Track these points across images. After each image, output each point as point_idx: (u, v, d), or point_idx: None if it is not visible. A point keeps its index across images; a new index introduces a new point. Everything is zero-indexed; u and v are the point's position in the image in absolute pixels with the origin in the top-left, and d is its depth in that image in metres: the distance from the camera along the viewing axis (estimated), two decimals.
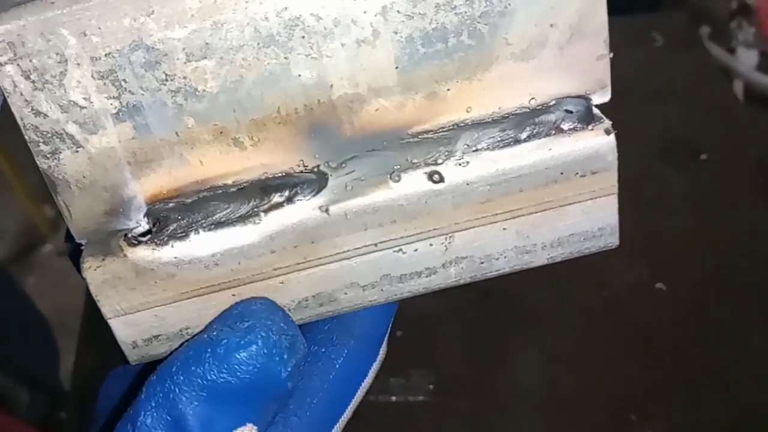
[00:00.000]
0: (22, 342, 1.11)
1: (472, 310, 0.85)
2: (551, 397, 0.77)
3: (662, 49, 1.15)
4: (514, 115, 0.31)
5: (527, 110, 0.31)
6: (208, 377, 0.29)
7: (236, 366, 0.29)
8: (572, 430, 0.75)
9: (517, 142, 0.31)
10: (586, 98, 0.31)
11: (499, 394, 0.78)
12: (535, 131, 0.31)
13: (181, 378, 0.29)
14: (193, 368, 0.29)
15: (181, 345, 0.31)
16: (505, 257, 0.33)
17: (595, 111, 0.31)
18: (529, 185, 0.31)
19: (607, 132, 0.31)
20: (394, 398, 0.78)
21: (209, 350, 0.29)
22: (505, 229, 0.32)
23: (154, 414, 0.29)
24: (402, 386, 0.79)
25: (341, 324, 0.34)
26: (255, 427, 0.30)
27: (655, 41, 1.16)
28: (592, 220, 0.33)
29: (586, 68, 0.30)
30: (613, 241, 0.34)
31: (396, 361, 0.80)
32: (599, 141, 0.31)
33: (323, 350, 0.33)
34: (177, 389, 0.29)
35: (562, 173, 0.31)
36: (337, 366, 0.33)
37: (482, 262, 0.33)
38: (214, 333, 0.30)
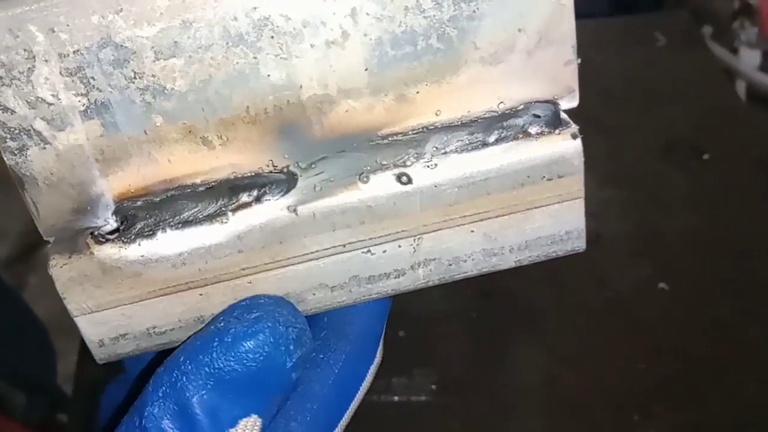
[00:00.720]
0: (18, 343, 1.10)
1: (474, 310, 0.85)
2: (553, 396, 0.77)
3: (665, 49, 1.15)
4: (483, 119, 0.31)
5: (496, 114, 0.31)
6: (215, 365, 0.29)
7: (243, 354, 0.29)
8: (574, 429, 0.75)
9: (485, 145, 0.31)
10: (554, 103, 0.31)
11: (501, 393, 0.78)
12: (502, 135, 0.31)
13: (189, 367, 0.29)
14: (200, 357, 0.29)
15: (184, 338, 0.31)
16: (472, 259, 0.33)
17: (563, 116, 0.31)
18: (496, 188, 0.32)
19: (574, 136, 0.31)
20: (396, 398, 0.78)
21: (217, 339, 0.29)
22: (472, 231, 0.33)
23: (162, 404, 0.29)
24: (404, 386, 0.79)
25: (337, 330, 0.34)
26: (259, 420, 0.30)
27: (658, 41, 1.16)
28: (558, 223, 0.33)
29: (554, 74, 0.31)
30: (579, 245, 0.34)
31: (398, 361, 0.80)
32: (566, 145, 0.31)
33: (321, 356, 0.33)
34: (184, 378, 0.29)
35: (528, 177, 0.32)
36: (336, 371, 0.33)
37: (450, 264, 0.33)
38: (222, 323, 0.30)
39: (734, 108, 1.09)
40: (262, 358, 0.29)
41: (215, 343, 0.29)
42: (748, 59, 1.65)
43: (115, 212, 0.31)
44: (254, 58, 0.29)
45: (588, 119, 1.06)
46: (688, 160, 0.99)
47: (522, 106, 0.31)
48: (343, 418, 0.34)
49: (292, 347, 0.30)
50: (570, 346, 0.81)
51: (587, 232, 0.95)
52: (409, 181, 0.31)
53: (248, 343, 0.29)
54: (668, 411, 0.75)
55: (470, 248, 0.33)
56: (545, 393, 0.78)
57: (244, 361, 0.29)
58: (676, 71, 1.11)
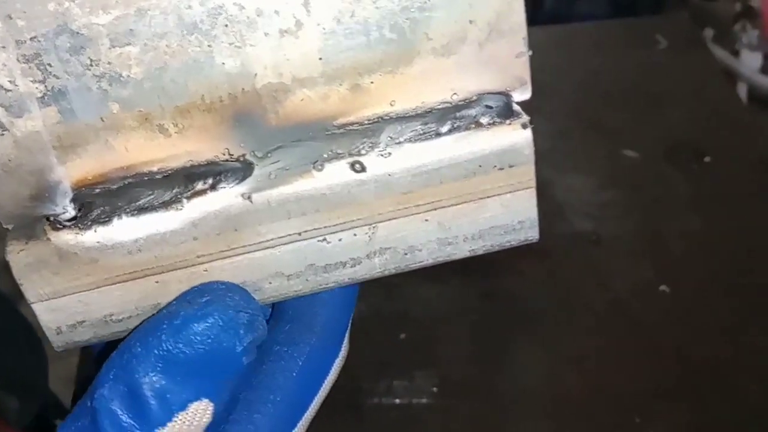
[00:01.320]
0: (10, 347, 1.10)
1: (474, 312, 0.85)
2: (555, 398, 0.77)
3: (666, 52, 1.15)
4: (437, 110, 0.31)
5: (449, 105, 0.31)
6: (165, 348, 0.29)
7: (192, 337, 0.29)
8: (575, 431, 0.75)
9: (438, 135, 0.31)
10: (506, 95, 0.32)
11: (503, 395, 0.78)
12: (455, 125, 0.32)
13: (139, 350, 0.29)
14: (150, 340, 0.29)
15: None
16: (428, 249, 0.34)
17: (516, 107, 0.32)
18: (449, 177, 0.32)
19: (524, 126, 0.32)
20: (397, 401, 0.78)
21: (166, 322, 0.30)
22: (427, 220, 0.33)
23: (112, 385, 0.29)
24: (405, 388, 0.79)
25: (302, 322, 0.34)
26: (211, 404, 0.30)
27: (659, 43, 1.16)
28: (511, 213, 0.33)
29: (506, 65, 0.31)
30: (533, 234, 0.34)
31: (399, 364, 0.80)
32: (516, 135, 0.32)
33: (285, 349, 0.33)
34: (134, 360, 0.29)
35: (480, 166, 0.32)
36: (300, 363, 0.33)
37: (406, 253, 0.34)
38: (173, 307, 0.31)
39: (735, 110, 1.09)
40: (211, 341, 0.30)
41: (164, 326, 0.30)
42: (749, 62, 1.65)
43: (74, 199, 0.31)
44: (209, 46, 0.29)
45: (589, 121, 1.06)
46: (689, 163, 0.99)
47: (475, 98, 0.31)
48: (308, 411, 0.34)
49: (242, 331, 0.30)
50: (571, 347, 0.81)
51: (588, 234, 0.95)
52: (363, 169, 0.31)
53: (197, 325, 0.30)
54: (669, 412, 0.75)
55: (425, 237, 0.33)
56: (546, 395, 0.78)
57: (194, 344, 0.29)
58: (677, 74, 1.11)
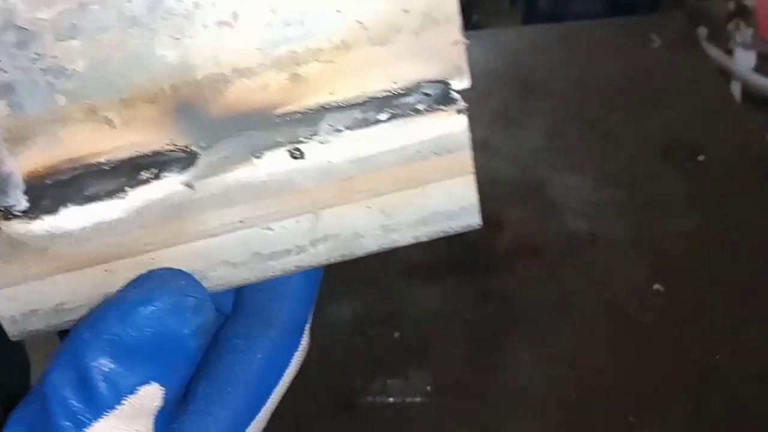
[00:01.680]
0: None
1: (469, 312, 0.85)
2: (549, 397, 0.77)
3: (660, 50, 1.15)
4: (376, 98, 0.32)
5: (389, 93, 0.32)
6: (112, 332, 0.30)
7: (139, 321, 0.30)
8: (570, 431, 0.75)
9: (377, 123, 0.32)
10: (444, 83, 0.32)
11: (497, 395, 0.78)
12: (394, 113, 0.32)
13: (87, 335, 0.30)
14: (98, 325, 0.30)
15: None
16: (372, 235, 0.34)
17: (454, 95, 0.32)
18: (388, 164, 0.33)
19: (459, 112, 0.32)
20: (391, 399, 0.78)
21: (114, 307, 0.30)
22: (369, 207, 0.33)
23: (62, 371, 0.30)
24: (400, 387, 0.78)
25: (262, 316, 0.34)
26: (161, 388, 0.31)
27: (653, 42, 1.17)
28: (452, 199, 0.34)
29: (443, 54, 0.32)
30: (474, 220, 0.35)
31: (393, 363, 0.80)
32: (452, 121, 0.32)
33: (244, 342, 0.34)
34: (83, 345, 0.30)
35: (418, 152, 0.33)
36: (259, 356, 0.34)
37: (350, 241, 0.34)
38: (121, 293, 0.31)
39: (730, 109, 1.09)
40: (157, 324, 0.30)
41: (111, 311, 0.30)
42: (743, 60, 1.65)
43: (26, 191, 0.31)
44: (149, 39, 0.30)
45: (584, 120, 1.06)
46: (683, 162, 0.99)
47: (414, 86, 0.32)
48: (267, 404, 0.35)
49: (189, 315, 0.31)
50: (566, 347, 0.81)
51: (583, 234, 0.95)
52: (302, 156, 0.32)
53: (143, 309, 0.30)
54: (664, 412, 0.75)
55: (368, 224, 0.34)
56: (540, 394, 0.78)
57: (141, 328, 0.30)
58: (671, 72, 1.11)
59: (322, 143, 0.32)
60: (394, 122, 0.32)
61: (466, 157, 0.33)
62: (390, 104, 0.32)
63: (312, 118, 0.32)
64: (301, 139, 0.32)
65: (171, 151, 0.31)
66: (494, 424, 0.76)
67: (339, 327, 0.84)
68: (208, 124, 0.31)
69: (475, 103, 1.14)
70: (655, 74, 1.11)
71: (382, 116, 0.32)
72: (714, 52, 1.53)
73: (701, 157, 1.00)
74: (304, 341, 0.36)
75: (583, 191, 0.96)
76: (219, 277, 0.34)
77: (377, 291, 0.87)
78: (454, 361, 0.81)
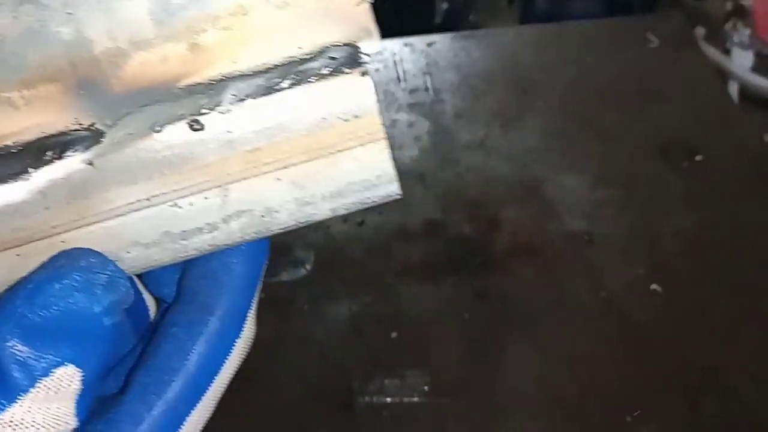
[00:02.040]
0: None
1: (467, 311, 0.84)
2: (547, 397, 0.77)
3: (657, 50, 1.15)
4: (281, 65, 0.31)
5: (294, 59, 0.31)
6: (20, 313, 0.29)
7: (47, 300, 0.29)
8: (567, 430, 0.75)
9: (281, 90, 0.31)
10: (352, 45, 0.31)
11: (494, 394, 0.78)
12: (298, 79, 0.31)
13: None
14: (6, 306, 0.30)
15: None
16: (286, 210, 0.33)
17: (363, 58, 0.31)
18: (294, 132, 0.31)
19: (364, 74, 0.31)
20: (389, 399, 0.77)
21: (21, 288, 0.30)
22: (279, 179, 0.32)
23: None
24: (397, 387, 0.78)
25: (200, 304, 0.34)
26: (79, 371, 0.30)
27: (651, 42, 1.16)
28: (365, 168, 0.33)
29: (348, 15, 0.31)
30: (392, 189, 0.34)
31: (391, 363, 0.80)
32: (357, 84, 0.31)
33: (182, 330, 0.33)
34: None
35: (324, 118, 0.31)
36: (197, 345, 0.33)
37: (264, 216, 0.33)
38: (30, 274, 0.31)
39: (727, 109, 1.09)
40: (66, 302, 0.30)
41: (19, 291, 0.30)
42: (741, 60, 1.65)
43: None
44: (42, 15, 0.29)
45: (581, 120, 1.06)
46: (681, 161, 0.99)
47: (320, 50, 0.31)
48: (207, 393, 0.34)
49: (99, 292, 0.30)
50: (563, 347, 0.81)
51: (581, 233, 0.95)
52: (201, 128, 0.31)
53: (50, 287, 0.30)
54: (662, 412, 0.75)
55: (281, 198, 0.33)
56: (538, 393, 0.78)
57: (49, 307, 0.29)
58: (668, 72, 1.11)
59: (223, 113, 0.31)
60: (298, 89, 0.31)
61: (374, 122, 0.32)
62: (295, 70, 0.31)
63: (215, 88, 0.31)
64: (204, 110, 0.31)
65: (76, 130, 0.31)
66: (492, 423, 0.76)
67: (336, 327, 0.84)
68: (111, 101, 0.31)
69: (473, 102, 1.15)
70: (653, 74, 1.11)
71: (286, 83, 0.31)
72: (711, 52, 1.53)
73: (699, 157, 1.00)
74: (248, 329, 0.35)
75: (580, 191, 0.96)
76: (132, 258, 0.33)
77: (375, 291, 0.87)
78: (451, 361, 0.81)
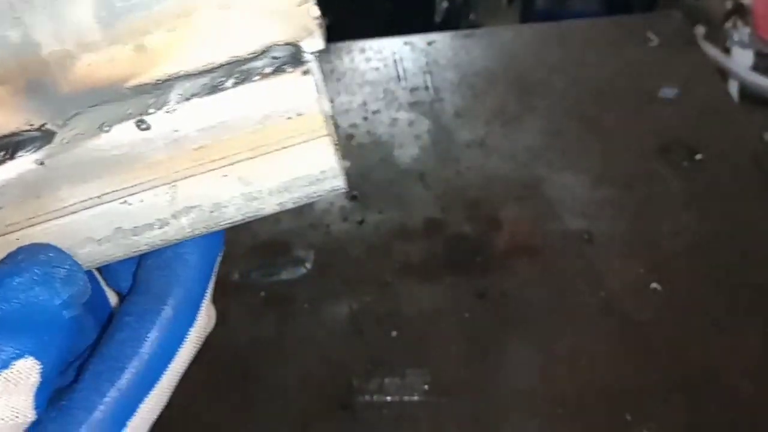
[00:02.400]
0: None
1: (467, 310, 0.85)
2: (547, 396, 0.77)
3: (657, 49, 1.15)
4: (226, 64, 0.32)
5: (238, 59, 0.32)
6: None
7: (8, 293, 0.30)
8: (567, 429, 0.75)
9: (225, 89, 0.32)
10: (295, 45, 0.32)
11: (494, 393, 0.78)
12: (242, 78, 0.32)
13: None
14: None
15: None
16: (234, 205, 0.34)
17: (306, 57, 0.32)
18: (239, 130, 0.32)
19: (305, 73, 0.32)
20: (389, 398, 0.78)
21: None
22: (226, 176, 0.33)
23: None
24: (397, 386, 0.78)
25: (153, 294, 0.35)
26: (38, 363, 0.30)
27: (650, 41, 1.16)
28: (310, 163, 0.33)
29: (289, 16, 0.31)
30: (338, 183, 0.34)
31: (391, 361, 0.80)
32: (298, 82, 0.32)
33: (134, 319, 0.34)
34: None
35: (268, 116, 0.32)
36: (149, 334, 0.34)
37: (212, 211, 0.34)
38: None
39: (727, 108, 1.09)
40: (26, 296, 0.30)
41: None
42: (741, 59, 1.65)
43: None
44: None
45: (581, 119, 1.06)
46: (681, 160, 0.99)
47: (263, 50, 0.32)
48: (161, 381, 0.34)
49: (58, 285, 0.31)
50: (563, 346, 0.81)
51: (581, 232, 0.95)
52: (148, 126, 0.32)
53: (10, 281, 0.30)
54: (661, 411, 0.76)
55: (228, 193, 0.33)
56: (538, 392, 0.78)
57: (10, 300, 0.30)
58: (668, 71, 1.11)
59: (169, 112, 0.32)
60: (242, 87, 0.32)
61: (316, 120, 0.33)
62: (238, 70, 0.32)
63: (161, 88, 0.31)
64: (151, 110, 0.32)
65: (27, 131, 0.31)
66: (492, 422, 0.76)
67: (337, 326, 0.84)
68: (60, 101, 0.31)
69: (473, 101, 1.14)
70: (652, 73, 1.11)
71: (230, 82, 0.32)
72: (711, 50, 1.53)
73: (698, 156, 1.00)
74: (202, 318, 0.36)
75: (580, 190, 0.96)
76: (87, 254, 0.34)
77: (375, 290, 0.87)
78: (451, 360, 0.81)
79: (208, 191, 0.33)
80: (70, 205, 0.32)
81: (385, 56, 1.16)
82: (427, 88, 1.10)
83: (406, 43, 1.18)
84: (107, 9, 0.30)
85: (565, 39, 1.19)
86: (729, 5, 1.69)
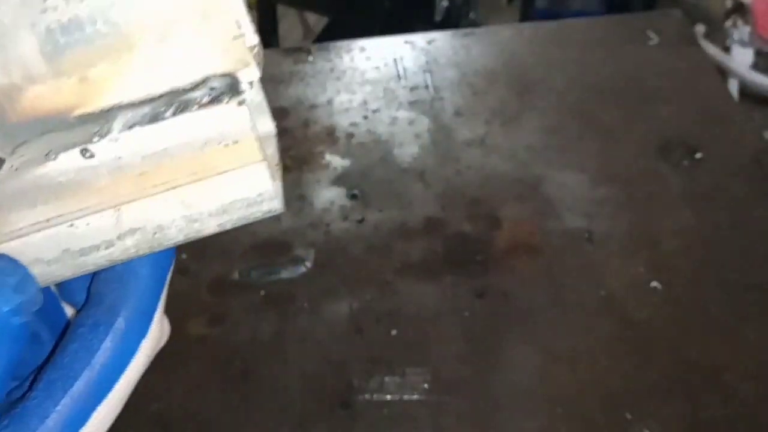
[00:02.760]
0: None
1: (467, 309, 0.85)
2: (546, 395, 0.77)
3: (657, 48, 1.15)
4: (166, 95, 0.33)
5: (178, 89, 0.33)
6: None
7: None
8: (567, 428, 0.75)
9: (165, 118, 0.33)
10: (231, 76, 0.33)
11: (494, 392, 0.78)
12: (181, 108, 0.33)
13: None
14: None
15: None
16: (176, 226, 0.35)
17: (242, 86, 0.34)
18: (179, 157, 0.34)
19: (240, 104, 0.33)
20: (389, 397, 0.78)
21: None
22: (168, 200, 0.35)
23: None
24: (397, 385, 0.78)
25: (107, 306, 0.36)
26: None
27: (650, 40, 1.16)
28: (247, 187, 0.35)
29: (226, 48, 0.33)
30: (275, 205, 0.36)
31: (391, 360, 0.80)
32: (233, 113, 0.33)
33: (88, 330, 0.35)
34: None
35: (206, 144, 0.34)
36: (102, 344, 0.35)
37: (155, 233, 0.35)
38: None
39: (727, 107, 1.09)
40: None
41: None
42: (741, 58, 1.65)
43: None
44: None
45: (581, 118, 1.06)
46: (681, 159, 0.99)
47: (202, 80, 0.33)
48: (114, 390, 0.36)
49: (8, 292, 0.32)
50: (563, 345, 0.81)
51: (581, 231, 0.95)
52: (92, 155, 0.33)
53: None
54: (661, 409, 0.76)
55: (170, 216, 0.35)
56: (538, 391, 0.78)
57: None
58: (668, 70, 1.11)
59: (112, 141, 0.33)
60: (181, 117, 0.33)
61: (251, 147, 0.34)
62: (178, 100, 0.33)
63: (106, 117, 0.33)
64: (94, 138, 0.33)
65: None
66: (492, 421, 0.76)
67: (336, 325, 0.84)
68: (9, 130, 0.32)
69: (472, 100, 1.14)
70: (653, 72, 1.11)
71: (170, 112, 0.33)
72: (711, 49, 1.53)
73: (698, 155, 1.00)
74: (155, 330, 0.37)
75: (580, 189, 0.96)
76: (37, 274, 0.35)
77: (375, 288, 0.87)
78: (451, 359, 0.81)
79: (151, 214, 0.35)
80: (19, 229, 0.34)
81: (385, 55, 1.16)
82: (427, 86, 1.10)
83: (406, 42, 1.18)
84: (52, 44, 0.31)
85: (565, 38, 1.19)
86: (729, 4, 1.69)
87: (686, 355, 0.80)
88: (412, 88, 1.10)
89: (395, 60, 1.15)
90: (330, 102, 1.08)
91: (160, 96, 0.33)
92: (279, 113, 1.06)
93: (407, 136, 1.04)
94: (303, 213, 0.95)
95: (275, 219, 0.93)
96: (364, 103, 1.08)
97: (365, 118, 1.06)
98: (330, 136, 1.04)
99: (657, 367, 0.79)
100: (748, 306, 0.83)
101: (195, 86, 0.33)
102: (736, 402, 0.76)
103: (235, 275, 0.89)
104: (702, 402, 0.76)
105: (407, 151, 1.02)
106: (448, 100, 1.08)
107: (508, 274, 0.88)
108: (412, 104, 1.08)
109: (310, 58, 1.15)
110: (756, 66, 1.65)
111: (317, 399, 0.78)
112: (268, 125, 0.35)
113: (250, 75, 0.33)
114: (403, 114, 1.07)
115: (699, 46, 1.22)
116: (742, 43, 1.65)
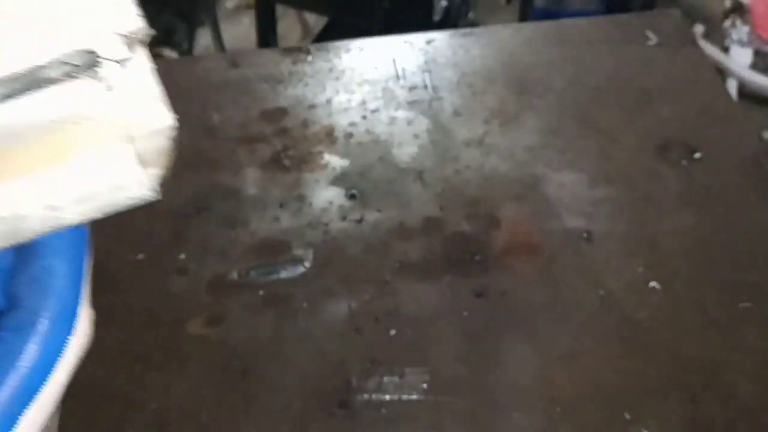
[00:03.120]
0: None
1: (466, 309, 0.84)
2: (545, 395, 0.77)
3: (656, 48, 1.15)
4: (20, 74, 0.31)
5: (33, 68, 0.31)
6: None
7: None
8: (566, 428, 0.75)
9: (14, 97, 0.31)
10: (92, 52, 0.31)
11: (493, 392, 0.78)
12: (32, 86, 0.31)
13: None
14: None
15: None
16: (36, 216, 0.33)
17: (99, 63, 0.32)
18: (28, 138, 0.32)
19: (93, 77, 0.32)
20: (387, 397, 0.78)
21: None
22: (24, 185, 0.32)
23: None
24: (396, 385, 0.78)
25: (29, 309, 0.35)
26: None
27: (649, 40, 1.16)
28: (109, 171, 0.33)
29: (81, 23, 0.31)
30: (143, 191, 0.33)
31: (390, 360, 0.80)
32: (86, 88, 0.31)
33: (11, 334, 0.35)
34: None
35: (62, 124, 0.32)
36: (26, 346, 0.35)
37: (15, 222, 0.33)
38: None
39: (726, 107, 1.09)
40: None
41: None
42: (740, 58, 1.65)
43: None
44: None
45: (579, 118, 1.06)
46: (679, 159, 0.99)
47: (57, 58, 0.31)
48: (43, 390, 0.35)
49: None
50: (562, 344, 0.81)
51: (579, 231, 0.95)
52: None
53: None
54: (660, 410, 0.76)
55: (29, 204, 0.33)
56: (537, 391, 0.78)
57: None
58: (667, 70, 1.11)
59: None
60: (31, 94, 0.31)
61: (108, 124, 0.32)
62: (30, 78, 0.31)
63: None
64: None
65: None
66: (490, 420, 0.76)
67: (335, 325, 0.84)
68: None
69: (471, 100, 1.14)
70: (651, 72, 1.11)
71: (20, 90, 0.31)
72: (710, 49, 1.54)
73: (697, 155, 1.00)
74: (81, 326, 0.36)
75: (579, 189, 0.96)
76: None
77: (373, 288, 0.87)
78: (450, 359, 0.81)
79: (8, 202, 0.33)
80: None
81: (384, 55, 1.15)
82: (425, 86, 1.10)
83: (405, 42, 1.18)
84: None
85: (564, 38, 1.19)
86: (728, 4, 1.69)
87: (685, 354, 0.80)
88: (411, 88, 1.10)
89: (394, 60, 1.15)
90: (329, 102, 1.08)
91: (13, 75, 0.31)
92: (278, 113, 1.06)
93: (406, 136, 1.03)
94: (302, 213, 0.94)
95: (274, 219, 0.93)
96: (363, 103, 1.08)
97: (364, 118, 1.06)
98: (329, 136, 1.04)
99: (656, 366, 0.79)
100: (747, 306, 0.83)
101: (50, 63, 0.31)
102: (735, 402, 0.76)
103: (234, 275, 0.89)
104: (701, 402, 0.76)
105: (406, 151, 1.02)
106: (447, 100, 1.08)
107: (507, 274, 0.88)
108: (411, 104, 1.08)
109: (309, 58, 1.15)
110: (755, 66, 1.65)
111: (316, 398, 0.78)
112: (163, 116, 0.33)
113: (114, 51, 0.31)
114: (402, 114, 1.06)
115: (698, 46, 1.22)
116: (741, 43, 1.65)
